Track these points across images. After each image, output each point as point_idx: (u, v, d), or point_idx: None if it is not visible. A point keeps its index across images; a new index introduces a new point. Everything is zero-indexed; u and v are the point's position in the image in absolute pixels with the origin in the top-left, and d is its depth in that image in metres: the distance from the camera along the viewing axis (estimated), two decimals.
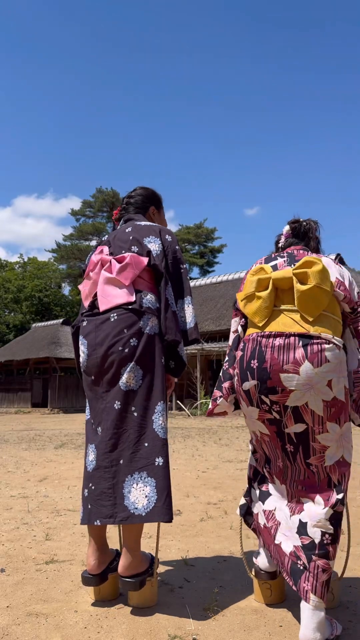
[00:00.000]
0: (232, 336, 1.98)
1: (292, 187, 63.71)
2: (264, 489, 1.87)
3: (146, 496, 1.80)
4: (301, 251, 1.89)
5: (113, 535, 2.72)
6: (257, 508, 1.89)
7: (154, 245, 2.01)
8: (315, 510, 1.65)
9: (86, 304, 2.05)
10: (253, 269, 1.83)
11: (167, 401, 1.95)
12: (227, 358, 1.97)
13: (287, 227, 2.01)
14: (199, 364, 17.84)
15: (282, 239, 2.01)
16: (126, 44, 62.34)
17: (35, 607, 1.90)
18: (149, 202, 2.30)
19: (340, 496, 1.65)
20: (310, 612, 1.55)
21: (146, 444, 1.84)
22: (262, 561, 1.93)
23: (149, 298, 1.96)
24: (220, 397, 1.92)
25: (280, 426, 1.69)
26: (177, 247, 2.07)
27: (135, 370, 1.88)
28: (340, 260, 18.79)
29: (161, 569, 2.30)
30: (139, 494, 1.81)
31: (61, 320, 26.64)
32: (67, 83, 62.09)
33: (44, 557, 2.45)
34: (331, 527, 1.63)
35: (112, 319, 1.91)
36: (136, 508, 1.80)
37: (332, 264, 1.81)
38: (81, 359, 2.01)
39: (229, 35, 61.70)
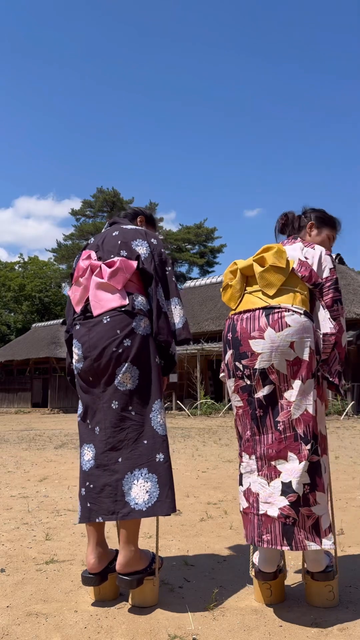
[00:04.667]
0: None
1: (293, 189, 63.72)
2: (239, 472, 1.98)
3: (147, 491, 1.83)
4: (285, 241, 2.15)
5: (113, 535, 2.73)
6: (240, 496, 1.96)
7: (141, 249, 2.05)
8: (292, 466, 1.82)
9: (77, 309, 2.06)
10: (229, 265, 2.12)
11: (162, 399, 2.01)
12: None
13: (276, 224, 2.29)
14: (198, 364, 17.84)
15: (279, 229, 2.28)
16: (127, 44, 62.39)
17: (35, 607, 1.90)
18: (140, 213, 2.37)
19: (309, 446, 1.82)
20: (310, 552, 1.85)
21: (145, 442, 1.89)
22: (261, 561, 1.94)
23: (140, 300, 2.00)
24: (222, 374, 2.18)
25: (250, 392, 1.90)
26: (162, 249, 2.11)
27: (131, 370, 1.92)
28: (340, 260, 18.71)
29: (161, 568, 2.30)
30: (140, 490, 1.84)
31: (61, 320, 26.63)
32: (69, 83, 62.13)
33: (44, 557, 2.45)
34: (309, 477, 1.82)
35: (105, 321, 1.94)
36: (137, 503, 1.83)
37: (298, 247, 2.05)
38: (75, 362, 2.02)
39: (230, 35, 61.73)
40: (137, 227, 2.14)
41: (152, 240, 2.10)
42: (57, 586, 2.10)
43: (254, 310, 1.92)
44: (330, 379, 1.99)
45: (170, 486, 1.86)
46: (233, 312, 2.01)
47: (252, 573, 1.97)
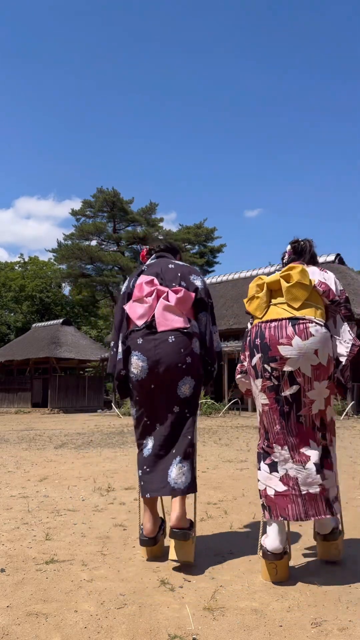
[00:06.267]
0: (245, 332, 2.53)
1: (293, 189, 63.69)
2: (268, 461, 2.24)
3: (184, 474, 2.35)
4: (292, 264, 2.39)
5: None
6: (267, 482, 2.22)
7: (198, 282, 2.57)
8: (315, 451, 2.18)
9: (139, 322, 2.46)
10: (254, 279, 2.39)
11: None
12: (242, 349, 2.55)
13: (289, 247, 2.54)
14: None
15: (286, 256, 2.55)
16: (127, 45, 62.36)
17: (35, 607, 1.90)
18: (179, 252, 2.91)
19: (320, 434, 2.21)
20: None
21: (189, 437, 2.42)
22: (269, 543, 2.13)
23: (194, 324, 2.51)
24: (238, 376, 2.56)
25: (278, 391, 2.18)
26: (206, 285, 2.63)
27: (190, 381, 2.43)
28: (339, 260, 18.96)
29: (161, 568, 2.31)
30: (179, 472, 2.35)
31: (61, 320, 26.61)
32: (69, 83, 62.09)
33: (44, 557, 2.45)
34: (319, 459, 2.18)
35: (171, 340, 2.39)
36: (176, 483, 2.34)
37: (316, 271, 2.38)
38: (136, 371, 2.43)
39: (230, 35, 61.71)
40: (190, 265, 2.71)
41: (202, 277, 2.64)
42: (57, 586, 2.10)
43: (280, 319, 2.18)
44: (344, 383, 2.29)
45: (195, 470, 2.41)
46: (259, 320, 2.27)
47: (260, 554, 2.17)
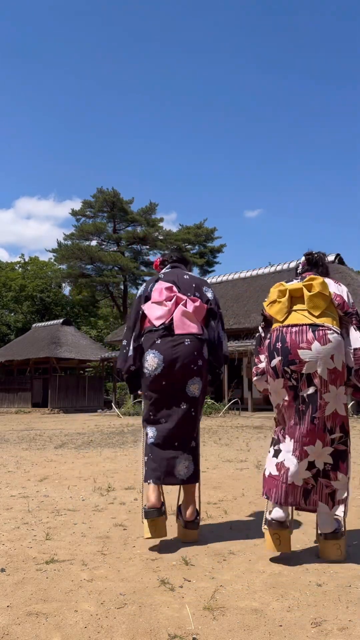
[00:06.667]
0: (256, 335, 2.77)
1: (294, 190, 63.67)
2: (276, 447, 2.49)
3: (186, 467, 2.66)
4: (311, 275, 2.61)
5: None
6: (268, 463, 2.49)
7: (209, 294, 2.87)
8: (317, 449, 2.35)
9: (157, 323, 2.70)
10: (275, 285, 2.59)
11: None
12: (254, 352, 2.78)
13: (303, 258, 2.74)
14: None
15: (300, 266, 2.75)
16: (128, 44, 62.34)
17: (35, 606, 1.90)
18: (189, 263, 3.16)
19: (334, 436, 2.37)
20: (322, 514, 2.39)
21: (194, 435, 2.72)
22: (273, 513, 2.36)
23: (205, 331, 2.77)
24: (255, 378, 2.72)
25: (296, 391, 2.38)
26: (216, 296, 2.92)
27: (199, 382, 2.69)
28: (339, 260, 18.99)
29: (161, 568, 2.31)
30: (182, 466, 2.65)
31: (61, 320, 26.60)
32: (69, 83, 62.06)
33: (44, 557, 2.45)
34: (332, 459, 2.38)
35: (187, 343, 2.65)
36: (179, 474, 2.64)
37: (332, 283, 2.55)
38: (151, 367, 2.66)
39: (232, 37, 61.69)
40: (199, 277, 3.00)
41: (211, 288, 2.93)
42: (57, 586, 2.10)
43: (301, 325, 2.37)
44: None
45: (197, 463, 2.71)
46: (280, 324, 2.45)
47: (264, 527, 2.39)
